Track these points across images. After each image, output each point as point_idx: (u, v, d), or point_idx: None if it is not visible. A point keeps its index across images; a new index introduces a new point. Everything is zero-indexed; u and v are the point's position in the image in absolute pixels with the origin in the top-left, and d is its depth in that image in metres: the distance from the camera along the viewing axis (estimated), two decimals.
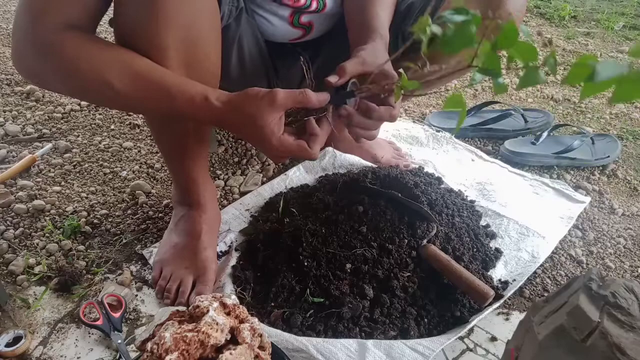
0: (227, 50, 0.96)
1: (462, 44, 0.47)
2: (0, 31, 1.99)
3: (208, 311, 0.60)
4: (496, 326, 0.89)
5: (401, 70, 0.68)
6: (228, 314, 0.62)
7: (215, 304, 0.61)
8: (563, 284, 0.66)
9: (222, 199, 1.19)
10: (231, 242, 1.04)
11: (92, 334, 0.87)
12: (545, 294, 0.96)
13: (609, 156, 1.33)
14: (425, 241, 0.93)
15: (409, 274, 0.90)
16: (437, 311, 0.88)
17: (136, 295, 0.94)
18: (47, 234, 1.06)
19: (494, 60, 0.49)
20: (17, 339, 0.83)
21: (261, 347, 0.62)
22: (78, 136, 1.40)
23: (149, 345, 0.58)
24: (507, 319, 0.91)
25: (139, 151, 1.35)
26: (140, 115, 1.48)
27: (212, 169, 1.28)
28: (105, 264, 1.00)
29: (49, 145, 1.33)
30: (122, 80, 0.71)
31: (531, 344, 0.58)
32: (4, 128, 1.40)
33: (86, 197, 1.18)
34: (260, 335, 0.63)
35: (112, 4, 0.75)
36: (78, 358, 0.83)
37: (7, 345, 0.82)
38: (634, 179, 1.31)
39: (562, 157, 1.32)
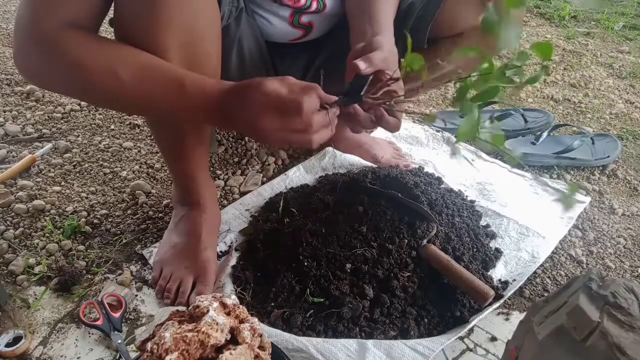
0: (227, 50, 0.96)
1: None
2: (0, 31, 1.99)
3: (208, 311, 0.60)
4: (496, 326, 0.89)
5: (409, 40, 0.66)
6: (228, 314, 0.62)
7: (215, 304, 0.61)
8: (563, 284, 0.66)
9: (222, 199, 1.19)
10: (231, 242, 1.04)
11: (92, 334, 0.87)
12: (545, 294, 0.96)
13: (609, 156, 1.33)
14: (425, 241, 0.93)
15: (409, 274, 0.90)
16: (437, 311, 0.88)
17: (136, 295, 0.94)
18: (47, 234, 1.06)
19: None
20: (17, 339, 0.83)
21: (261, 347, 0.62)
22: (78, 136, 1.40)
23: (149, 345, 0.58)
24: (507, 319, 0.91)
25: (139, 151, 1.35)
26: (140, 116, 1.48)
27: (212, 169, 1.28)
28: (105, 264, 1.00)
29: (49, 145, 1.33)
30: (129, 70, 0.71)
31: (531, 344, 0.58)
32: (4, 128, 1.40)
33: (86, 197, 1.18)
34: (260, 335, 0.63)
35: (113, 4, 0.75)
36: (78, 358, 0.83)
37: (7, 345, 0.82)
38: (634, 179, 1.31)
39: (562, 157, 1.32)
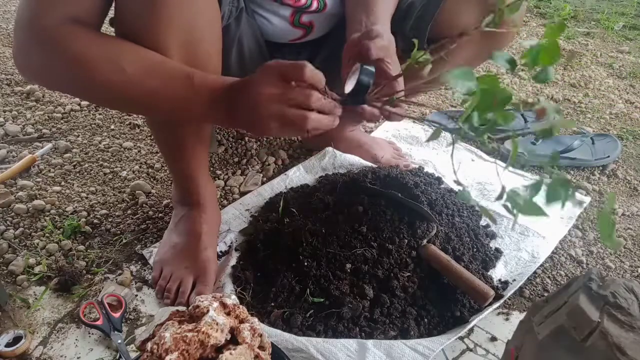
0: (228, 50, 0.96)
1: None
2: (0, 31, 1.99)
3: (208, 311, 0.60)
4: (496, 326, 0.89)
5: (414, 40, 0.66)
6: (228, 314, 0.62)
7: (215, 304, 0.61)
8: (563, 284, 0.66)
9: (222, 199, 1.19)
10: (231, 242, 1.04)
11: (92, 334, 0.87)
12: (545, 294, 0.96)
13: (609, 156, 1.33)
14: (425, 241, 0.93)
15: (409, 274, 0.90)
16: (437, 311, 0.88)
17: (136, 295, 0.94)
18: (47, 234, 1.06)
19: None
20: (17, 339, 0.83)
21: (261, 347, 0.62)
22: (78, 136, 1.40)
23: (149, 345, 0.58)
24: (507, 319, 0.91)
25: (139, 151, 1.35)
26: (140, 115, 1.48)
27: (212, 169, 1.28)
28: (105, 264, 1.00)
29: (49, 145, 1.33)
30: (134, 64, 0.71)
31: (531, 344, 0.58)
32: (4, 128, 1.40)
33: (86, 197, 1.18)
34: (260, 335, 0.63)
35: (114, 4, 0.75)
36: (78, 358, 0.83)
37: (7, 345, 0.82)
38: (634, 179, 1.31)
39: (562, 157, 1.32)
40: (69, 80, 0.75)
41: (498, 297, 0.90)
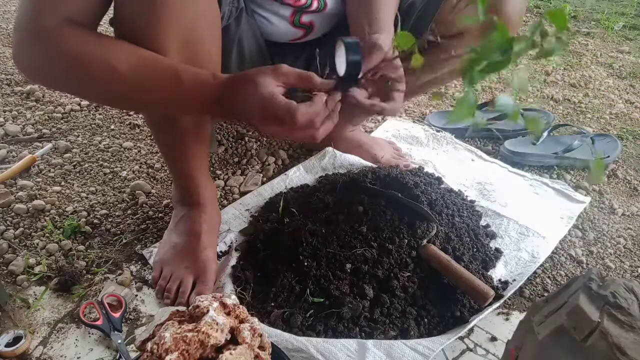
0: (228, 50, 0.96)
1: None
2: (0, 31, 1.99)
3: (208, 311, 0.60)
4: (496, 326, 0.89)
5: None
6: (228, 314, 0.62)
7: (215, 304, 0.61)
8: (563, 284, 0.66)
9: (222, 199, 1.19)
10: (231, 242, 1.04)
11: (92, 334, 0.87)
12: (545, 294, 0.96)
13: (609, 156, 1.33)
14: (425, 241, 0.93)
15: (409, 274, 0.90)
16: (437, 311, 0.88)
17: (136, 295, 0.94)
18: (47, 234, 1.06)
19: None
20: (17, 339, 0.83)
21: (261, 347, 0.62)
22: (78, 136, 1.40)
23: (149, 345, 0.58)
24: (507, 319, 0.91)
25: (139, 151, 1.35)
26: (140, 115, 1.48)
27: (212, 169, 1.28)
28: (105, 264, 1.00)
29: (49, 145, 1.33)
30: (128, 63, 0.71)
31: (531, 344, 0.58)
32: (4, 128, 1.40)
33: (86, 197, 1.18)
34: (260, 335, 0.63)
35: (113, 4, 0.75)
36: (78, 358, 0.83)
37: (7, 345, 0.82)
38: (634, 179, 1.31)
39: (562, 157, 1.32)
40: (67, 80, 0.75)
41: (498, 297, 0.90)
